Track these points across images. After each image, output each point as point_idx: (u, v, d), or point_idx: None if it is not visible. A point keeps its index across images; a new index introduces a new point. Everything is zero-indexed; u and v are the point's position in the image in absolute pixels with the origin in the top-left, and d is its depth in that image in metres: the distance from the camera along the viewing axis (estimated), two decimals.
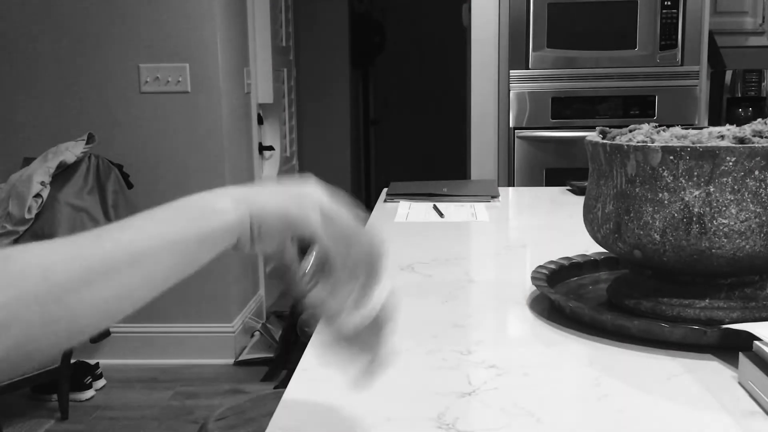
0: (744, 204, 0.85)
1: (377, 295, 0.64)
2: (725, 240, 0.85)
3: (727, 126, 0.93)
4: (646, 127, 0.98)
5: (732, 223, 0.85)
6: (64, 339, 0.57)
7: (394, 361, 0.69)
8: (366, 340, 0.65)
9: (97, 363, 3.09)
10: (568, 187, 2.12)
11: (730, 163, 0.84)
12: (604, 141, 0.96)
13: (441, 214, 1.78)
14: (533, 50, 3.12)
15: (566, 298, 1.00)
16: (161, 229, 0.59)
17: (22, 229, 2.61)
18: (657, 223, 0.88)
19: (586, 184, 1.04)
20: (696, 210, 0.86)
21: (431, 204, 1.88)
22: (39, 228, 2.65)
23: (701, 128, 0.93)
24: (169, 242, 0.59)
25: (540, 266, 1.11)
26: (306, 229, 0.62)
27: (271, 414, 0.74)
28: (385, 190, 2.10)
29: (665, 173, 0.87)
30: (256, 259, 3.69)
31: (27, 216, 2.61)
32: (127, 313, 0.58)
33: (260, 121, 3.80)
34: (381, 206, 1.92)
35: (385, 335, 0.66)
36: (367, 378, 0.67)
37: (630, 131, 0.98)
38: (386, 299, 0.65)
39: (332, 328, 0.64)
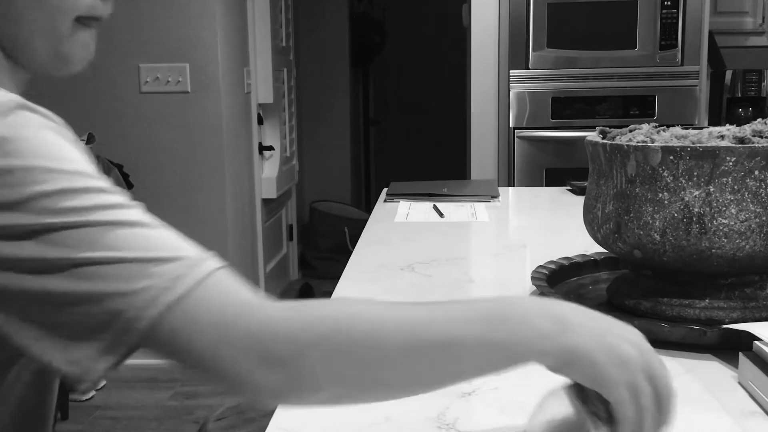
0: (744, 204, 0.85)
1: None
2: (725, 240, 0.85)
3: (727, 126, 0.93)
4: (646, 127, 0.98)
5: (732, 223, 0.85)
6: (376, 398, 0.62)
7: None
8: None
9: None
10: (568, 187, 2.12)
11: (730, 163, 0.84)
12: (604, 141, 0.96)
13: (441, 214, 1.78)
14: (533, 50, 3.12)
15: (566, 298, 1.00)
16: (488, 332, 0.59)
17: None
18: (657, 223, 0.88)
19: (586, 184, 1.04)
20: (696, 210, 0.86)
21: (431, 204, 1.88)
22: None
23: (701, 128, 0.93)
24: (490, 347, 0.59)
25: (540, 266, 1.11)
26: (610, 394, 0.58)
27: (271, 414, 0.74)
28: (385, 190, 2.10)
29: (665, 173, 0.87)
30: (257, 258, 3.69)
31: None
32: (416, 394, 0.62)
33: (260, 121, 3.80)
34: (381, 206, 1.92)
35: None
36: None
37: (630, 131, 0.98)
38: None
39: None
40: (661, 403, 0.59)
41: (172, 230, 0.59)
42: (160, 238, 0.57)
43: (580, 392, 0.61)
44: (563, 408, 0.62)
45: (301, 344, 0.56)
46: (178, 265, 0.55)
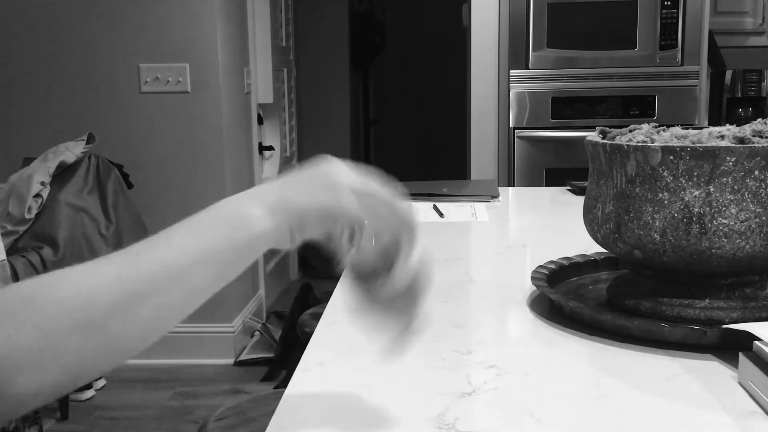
0: (744, 204, 0.85)
1: (412, 262, 0.65)
2: (725, 240, 0.85)
3: (727, 126, 0.93)
4: (646, 127, 0.98)
5: (732, 223, 0.85)
6: (109, 362, 0.57)
7: (425, 328, 0.69)
8: (400, 307, 0.67)
9: None
10: (568, 187, 2.12)
11: (730, 163, 0.84)
12: (604, 141, 0.95)
13: (441, 214, 1.78)
14: (533, 50, 3.12)
15: (566, 298, 1.00)
16: (198, 244, 0.59)
17: (22, 229, 2.61)
18: (657, 223, 0.88)
19: (586, 184, 1.04)
20: (696, 210, 0.86)
21: (431, 204, 1.88)
22: (39, 228, 2.65)
23: (701, 128, 0.93)
24: (208, 255, 0.59)
25: (540, 266, 1.11)
26: (346, 217, 0.62)
27: (271, 414, 0.74)
28: None
29: (665, 173, 0.87)
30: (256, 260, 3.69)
31: (27, 216, 2.61)
32: (170, 328, 0.59)
33: (260, 121, 3.80)
34: None
35: (419, 302, 0.67)
36: (399, 345, 0.69)
37: (630, 131, 0.98)
38: (420, 266, 0.66)
39: (368, 294, 0.66)
40: (405, 218, 0.64)
41: None
42: None
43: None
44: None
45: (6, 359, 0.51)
46: None
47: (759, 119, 0.93)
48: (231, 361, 3.28)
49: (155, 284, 0.56)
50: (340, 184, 0.63)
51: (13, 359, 0.51)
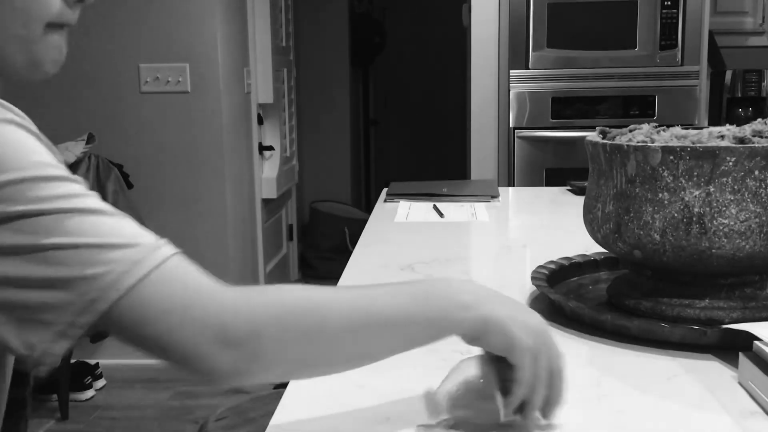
0: (744, 204, 0.85)
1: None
2: (725, 240, 0.85)
3: (727, 126, 0.93)
4: (646, 127, 0.98)
5: (732, 223, 0.85)
6: (310, 374, 0.69)
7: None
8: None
9: (97, 363, 3.08)
10: (568, 187, 2.12)
11: (730, 163, 0.84)
12: (604, 141, 0.96)
13: (441, 214, 1.78)
14: (533, 50, 3.12)
15: (566, 298, 1.00)
16: (415, 308, 0.67)
17: None
18: (657, 223, 0.88)
19: (586, 184, 1.04)
20: (696, 210, 0.86)
21: (431, 204, 1.88)
22: None
23: (701, 128, 0.93)
24: (418, 321, 0.67)
25: (540, 266, 1.11)
26: (517, 360, 0.66)
27: (271, 414, 0.74)
28: (385, 190, 2.09)
29: (665, 173, 0.87)
30: (257, 258, 3.69)
31: None
32: (348, 369, 0.68)
33: (260, 121, 3.79)
34: (381, 206, 1.92)
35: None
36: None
37: (630, 131, 0.98)
38: None
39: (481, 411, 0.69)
40: (553, 380, 0.67)
41: (129, 218, 0.61)
42: (118, 225, 0.59)
43: (491, 361, 0.69)
44: (473, 372, 0.69)
45: (256, 325, 0.61)
46: (136, 250, 0.58)
47: (759, 119, 0.93)
48: None
49: (369, 330, 0.65)
50: (539, 335, 0.67)
51: (271, 360, 0.62)
